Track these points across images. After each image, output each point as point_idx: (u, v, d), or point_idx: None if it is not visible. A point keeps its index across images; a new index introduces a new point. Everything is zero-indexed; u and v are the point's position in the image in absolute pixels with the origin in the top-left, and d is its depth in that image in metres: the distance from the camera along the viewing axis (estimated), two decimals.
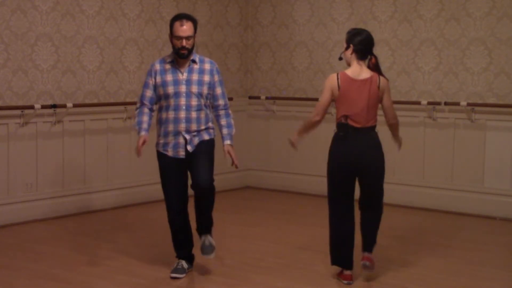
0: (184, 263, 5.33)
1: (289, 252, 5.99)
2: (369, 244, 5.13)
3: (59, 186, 7.22)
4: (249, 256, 5.83)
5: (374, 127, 5.06)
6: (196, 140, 5.15)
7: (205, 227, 5.30)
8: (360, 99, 4.94)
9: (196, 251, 5.43)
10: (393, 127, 5.21)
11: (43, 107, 6.94)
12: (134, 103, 7.66)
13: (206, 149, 5.19)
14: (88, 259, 5.70)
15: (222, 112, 5.26)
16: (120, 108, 7.63)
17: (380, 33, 7.84)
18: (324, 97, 5.04)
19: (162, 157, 5.22)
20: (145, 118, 5.18)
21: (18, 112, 6.82)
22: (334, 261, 5.18)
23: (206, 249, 5.25)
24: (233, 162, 5.21)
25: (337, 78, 4.98)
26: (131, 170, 7.79)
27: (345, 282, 5.11)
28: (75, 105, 7.21)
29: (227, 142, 5.21)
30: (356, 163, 4.98)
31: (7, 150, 6.79)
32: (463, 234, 6.69)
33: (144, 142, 5.06)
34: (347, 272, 5.13)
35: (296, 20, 8.63)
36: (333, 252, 5.17)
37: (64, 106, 7.12)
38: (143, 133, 5.11)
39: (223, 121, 5.26)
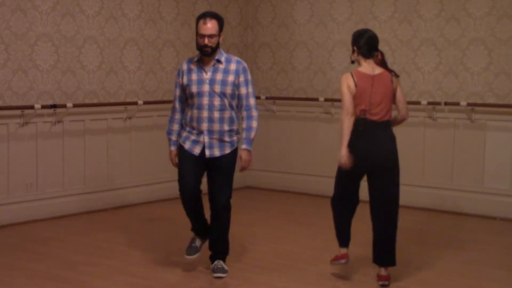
0: (198, 241, 5.38)
1: (289, 252, 5.98)
2: (386, 260, 5.14)
3: (59, 186, 7.22)
4: (249, 256, 5.83)
5: (390, 122, 5.12)
6: (216, 151, 5.17)
7: (220, 253, 5.37)
8: (377, 92, 5.01)
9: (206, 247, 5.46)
10: (401, 122, 5.26)
11: (43, 107, 6.94)
12: (134, 103, 7.70)
13: (227, 165, 5.23)
14: (88, 259, 5.70)
15: (244, 114, 5.21)
16: (120, 108, 7.63)
17: (380, 33, 7.76)
18: (346, 96, 5.02)
19: (180, 148, 5.27)
20: (175, 127, 5.32)
21: (18, 112, 6.82)
22: (340, 243, 5.27)
23: (218, 270, 5.30)
24: (240, 169, 5.26)
25: (352, 76, 5.03)
26: (131, 170, 7.79)
27: (343, 261, 5.18)
28: (75, 105, 7.21)
29: (243, 146, 5.21)
30: (373, 157, 5.00)
31: (7, 150, 6.79)
32: (463, 234, 6.70)
33: (175, 156, 5.33)
34: (343, 251, 5.18)
35: (296, 20, 8.63)
36: (337, 232, 5.27)
37: (64, 106, 7.12)
38: (172, 148, 5.33)
39: (244, 124, 5.22)
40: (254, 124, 5.21)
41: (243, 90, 5.20)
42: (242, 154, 5.19)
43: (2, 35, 6.71)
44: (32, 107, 6.87)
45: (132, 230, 6.71)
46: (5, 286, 5.05)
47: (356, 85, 5.00)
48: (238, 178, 9.09)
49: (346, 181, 5.17)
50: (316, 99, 8.37)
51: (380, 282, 5.09)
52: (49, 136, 7.10)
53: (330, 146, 8.06)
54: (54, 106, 7.02)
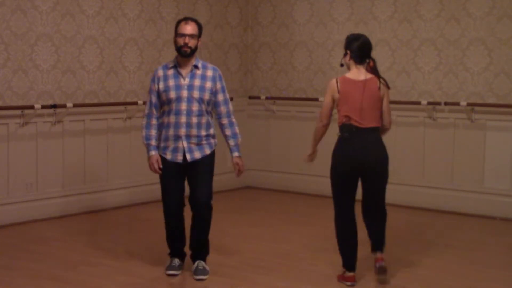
0: (177, 261, 5.37)
1: (289, 252, 5.98)
2: (380, 245, 5.14)
3: (59, 186, 7.22)
4: (249, 256, 5.83)
5: (377, 128, 5.06)
6: (197, 154, 5.18)
7: (201, 254, 5.35)
8: (361, 99, 4.97)
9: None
10: (383, 132, 5.19)
11: (43, 107, 6.94)
12: (134, 103, 7.70)
13: (207, 166, 5.24)
14: (88, 259, 5.70)
15: (225, 121, 5.26)
16: (120, 108, 7.63)
17: (380, 33, 7.84)
18: (325, 102, 5.13)
19: (162, 161, 5.24)
20: (153, 132, 5.26)
21: (18, 112, 6.82)
22: (344, 264, 5.16)
23: (199, 271, 5.26)
24: (238, 174, 5.30)
25: (336, 82, 5.04)
26: (131, 170, 7.79)
27: (349, 283, 5.09)
28: (75, 105, 7.21)
29: (235, 154, 5.27)
30: (362, 163, 4.99)
31: (7, 150, 6.79)
32: (463, 234, 6.69)
33: (156, 161, 5.20)
34: (351, 274, 5.11)
35: (296, 20, 8.63)
36: (343, 255, 5.16)
37: (64, 106, 7.12)
38: (153, 152, 5.23)
39: (228, 131, 5.27)
40: (237, 129, 5.32)
41: (221, 97, 5.25)
42: (238, 161, 5.26)
43: (2, 35, 6.71)
44: (32, 107, 6.87)
45: (132, 230, 6.72)
46: (5, 286, 5.05)
47: (339, 91, 5.00)
48: (238, 178, 9.11)
49: (341, 192, 5.09)
50: (316, 99, 8.36)
51: (377, 264, 5.06)
52: (49, 136, 7.10)
53: (330, 146, 8.04)
54: (54, 106, 7.02)
